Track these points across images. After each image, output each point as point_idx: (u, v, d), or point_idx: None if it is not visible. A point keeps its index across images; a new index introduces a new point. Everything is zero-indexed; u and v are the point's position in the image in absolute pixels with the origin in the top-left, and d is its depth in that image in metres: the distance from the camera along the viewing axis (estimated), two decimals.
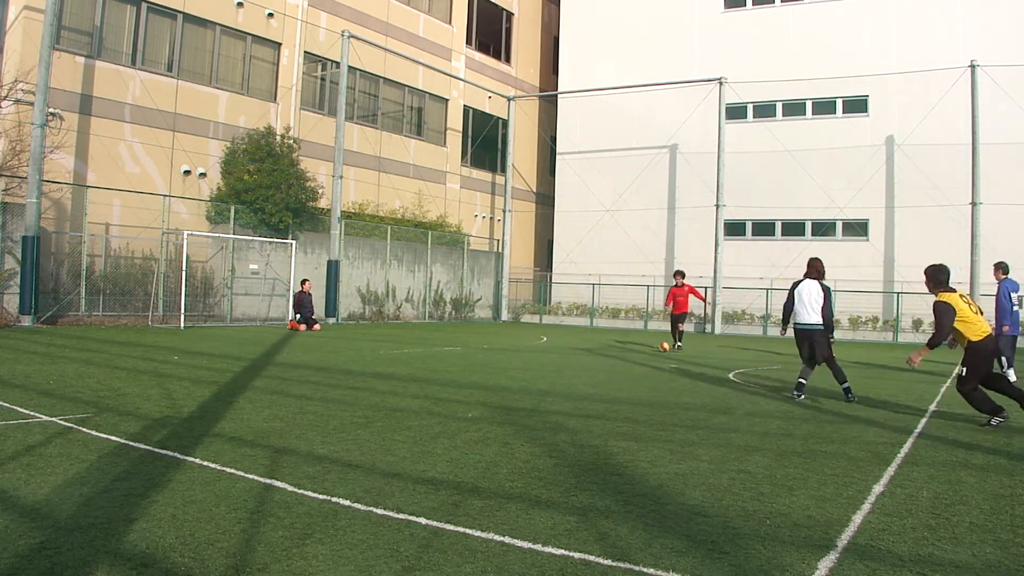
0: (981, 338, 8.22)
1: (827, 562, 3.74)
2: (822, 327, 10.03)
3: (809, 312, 10.03)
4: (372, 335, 20.57)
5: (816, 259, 10.37)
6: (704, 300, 20.02)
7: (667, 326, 26.45)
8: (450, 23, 34.30)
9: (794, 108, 31.15)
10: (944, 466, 6.12)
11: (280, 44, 26.81)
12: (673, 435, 7.17)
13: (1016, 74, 26.14)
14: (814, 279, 10.20)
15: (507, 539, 3.93)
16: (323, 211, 26.86)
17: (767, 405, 9.42)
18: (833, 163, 29.76)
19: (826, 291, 10.12)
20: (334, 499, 4.57)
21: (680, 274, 19.94)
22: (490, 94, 35.92)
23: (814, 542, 4.04)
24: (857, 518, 4.52)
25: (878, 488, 5.28)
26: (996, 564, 3.76)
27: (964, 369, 8.24)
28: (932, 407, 9.60)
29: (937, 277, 8.65)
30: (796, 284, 10.29)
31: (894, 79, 28.71)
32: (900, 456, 6.44)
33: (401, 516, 4.27)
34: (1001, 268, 13.38)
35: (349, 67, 26.78)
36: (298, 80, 27.38)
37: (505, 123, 36.09)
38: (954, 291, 8.51)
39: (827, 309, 10.01)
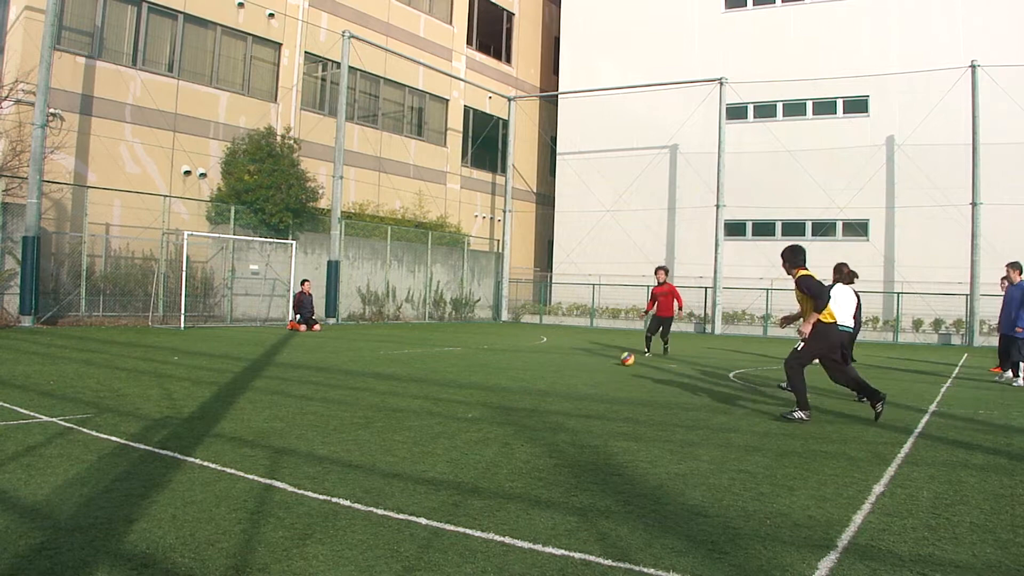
0: (828, 322, 8.46)
1: (827, 562, 3.73)
2: (852, 330, 10.38)
3: (845, 315, 10.10)
4: (372, 335, 20.57)
5: (843, 264, 10.54)
6: (681, 308, 17.36)
7: None
8: (451, 23, 34.31)
9: (795, 108, 31.15)
10: (944, 466, 6.12)
11: (281, 44, 26.81)
12: (673, 435, 7.17)
13: (1016, 74, 26.13)
14: (847, 284, 10.37)
15: (507, 539, 3.93)
16: (323, 211, 26.86)
17: (767, 405, 9.42)
18: (833, 163, 29.76)
19: (858, 297, 10.40)
20: (334, 499, 4.57)
21: (663, 270, 17.61)
22: (490, 94, 35.92)
23: (814, 542, 4.04)
24: (858, 518, 4.52)
25: (878, 488, 5.28)
26: (997, 564, 3.76)
27: (802, 345, 8.43)
28: (932, 407, 9.60)
29: (794, 259, 8.77)
30: (830, 287, 10.29)
31: (895, 79, 28.72)
32: (900, 456, 6.44)
33: (401, 516, 4.27)
34: (1016, 267, 13.14)
35: (350, 67, 26.79)
36: (299, 80, 27.38)
37: (505, 123, 36.09)
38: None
39: (859, 315, 10.33)
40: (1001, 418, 8.81)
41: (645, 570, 3.55)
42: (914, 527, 4.36)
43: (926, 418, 8.70)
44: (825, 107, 30.62)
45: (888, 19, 29.64)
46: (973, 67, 26.31)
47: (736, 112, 31.43)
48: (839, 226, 30.08)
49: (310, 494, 4.67)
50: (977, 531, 4.31)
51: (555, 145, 37.07)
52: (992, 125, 26.35)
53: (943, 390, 11.56)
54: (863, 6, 30.09)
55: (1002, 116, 26.50)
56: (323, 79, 28.99)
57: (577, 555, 3.72)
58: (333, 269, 25.72)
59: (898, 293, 28.10)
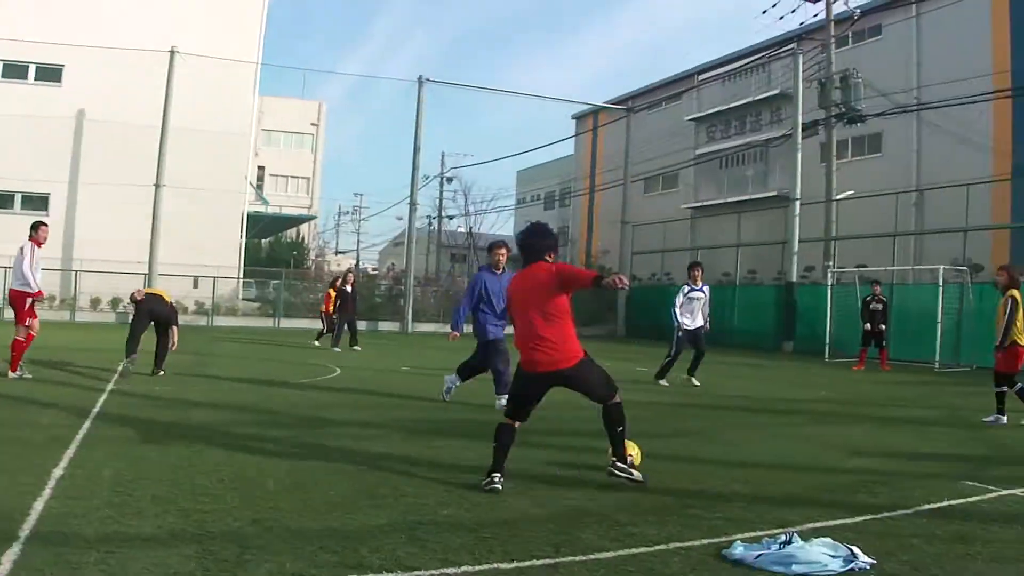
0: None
1: (11, 555, 3.42)
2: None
3: None
4: None
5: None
6: None
7: None
8: None
9: None
10: (125, 443, 6.21)
11: None
12: None
13: (210, 65, 27.54)
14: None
15: None
16: None
17: None
18: (23, 132, 27.37)
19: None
20: None
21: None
22: None
23: None
24: (39, 505, 4.24)
25: (58, 472, 5.06)
26: (181, 532, 3.94)
27: None
28: (110, 386, 9.63)
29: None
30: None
31: (94, 53, 27.54)
32: (79, 437, 6.29)
33: None
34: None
35: None
36: None
37: None
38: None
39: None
40: (177, 393, 9.31)
41: None
42: (98, 507, 4.29)
43: (104, 397, 8.70)
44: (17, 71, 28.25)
45: None
46: (172, 53, 26.99)
47: None
48: (18, 198, 27.97)
49: None
50: (160, 503, 4.45)
51: None
52: (187, 110, 27.46)
53: (109, 386, 10.87)
54: None
55: (193, 102, 27.81)
56: None
57: None
58: None
59: (77, 271, 27.34)
